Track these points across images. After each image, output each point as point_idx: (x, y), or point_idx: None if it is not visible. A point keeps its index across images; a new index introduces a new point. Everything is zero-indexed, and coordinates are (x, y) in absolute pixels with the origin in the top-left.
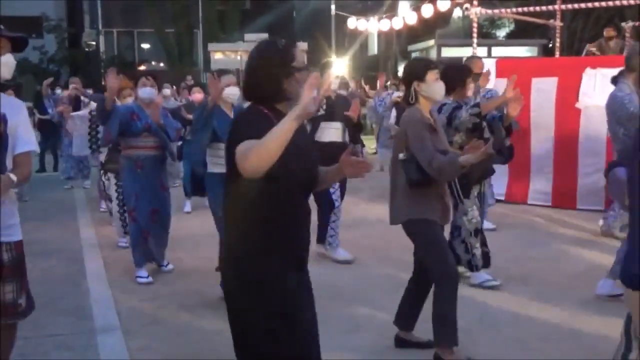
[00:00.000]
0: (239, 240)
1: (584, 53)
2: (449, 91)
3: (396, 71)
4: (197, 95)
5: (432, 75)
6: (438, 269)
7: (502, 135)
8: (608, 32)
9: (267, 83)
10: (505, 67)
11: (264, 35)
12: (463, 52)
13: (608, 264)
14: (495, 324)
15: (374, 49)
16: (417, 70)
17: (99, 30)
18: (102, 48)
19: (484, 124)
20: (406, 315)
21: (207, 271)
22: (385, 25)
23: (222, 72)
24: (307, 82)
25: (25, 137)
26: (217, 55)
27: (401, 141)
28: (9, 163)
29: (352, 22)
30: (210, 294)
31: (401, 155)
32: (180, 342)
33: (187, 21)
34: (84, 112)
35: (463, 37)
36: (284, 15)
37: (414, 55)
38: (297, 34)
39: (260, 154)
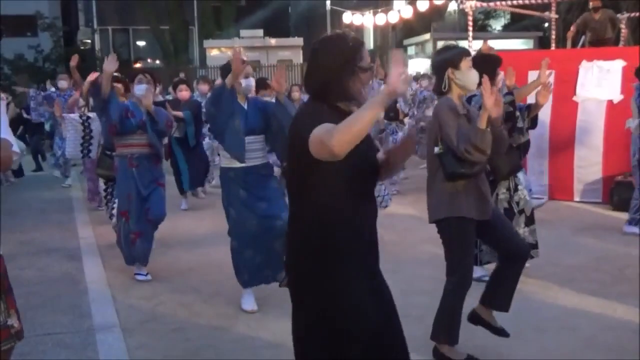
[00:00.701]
0: (317, 229)
1: (569, 38)
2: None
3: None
4: (184, 93)
5: (467, 63)
6: (459, 270)
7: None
8: (594, 2)
9: (332, 81)
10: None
11: (260, 32)
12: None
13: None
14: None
15: (369, 43)
16: (452, 58)
17: (93, 28)
18: (97, 46)
19: (517, 113)
20: (494, 293)
21: (205, 268)
22: (381, 19)
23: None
24: (395, 59)
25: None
26: (213, 52)
27: (434, 134)
28: None
29: (348, 17)
30: (209, 291)
31: (436, 149)
32: (179, 340)
33: (183, 18)
34: (75, 115)
35: (458, 30)
36: (279, 10)
37: (409, 49)
38: (292, 30)
39: (345, 134)
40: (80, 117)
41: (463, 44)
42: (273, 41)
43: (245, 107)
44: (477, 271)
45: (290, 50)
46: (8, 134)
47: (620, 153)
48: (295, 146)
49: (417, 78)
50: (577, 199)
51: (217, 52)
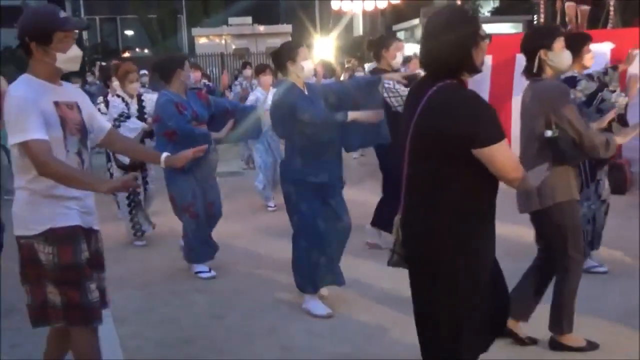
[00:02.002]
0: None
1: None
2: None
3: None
4: None
5: (560, 43)
6: (573, 256)
7: None
8: None
9: (458, 53)
10: (489, 43)
11: (248, 19)
12: None
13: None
14: None
15: (359, 29)
16: (545, 38)
17: (81, 18)
18: (85, 35)
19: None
20: (523, 304)
21: None
22: (369, 5)
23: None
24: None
25: (102, 119)
26: (202, 40)
27: (542, 117)
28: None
29: (336, 3)
30: (202, 280)
31: (549, 133)
32: (172, 329)
33: (170, 6)
34: None
35: None
36: None
37: (399, 35)
38: (281, 16)
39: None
40: None
41: None
42: (262, 28)
43: (307, 92)
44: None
45: (280, 38)
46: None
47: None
48: (437, 135)
49: (406, 61)
50: None
51: (205, 40)
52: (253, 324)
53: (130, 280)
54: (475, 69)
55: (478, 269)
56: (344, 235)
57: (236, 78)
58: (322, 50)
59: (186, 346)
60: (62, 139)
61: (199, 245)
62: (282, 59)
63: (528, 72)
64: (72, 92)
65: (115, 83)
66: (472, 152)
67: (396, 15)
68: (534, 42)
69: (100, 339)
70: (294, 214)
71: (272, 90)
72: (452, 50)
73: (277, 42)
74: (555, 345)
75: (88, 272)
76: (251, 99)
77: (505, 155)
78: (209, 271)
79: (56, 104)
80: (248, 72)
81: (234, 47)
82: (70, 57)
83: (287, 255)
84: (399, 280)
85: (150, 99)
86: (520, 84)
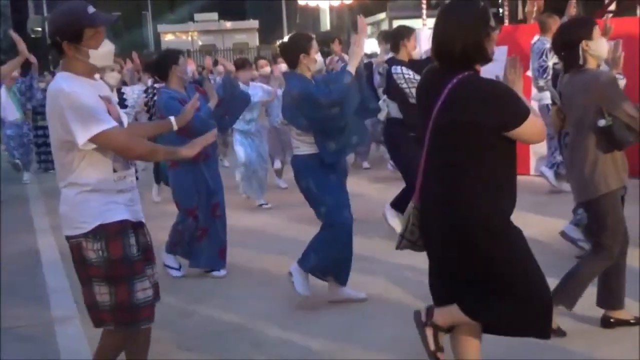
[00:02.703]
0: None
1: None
2: None
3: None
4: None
5: (597, 32)
6: (610, 245)
7: None
8: None
9: (472, 44)
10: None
11: (214, 15)
12: (415, 24)
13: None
14: None
15: (326, 24)
16: (584, 28)
17: (44, 16)
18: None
19: None
20: (609, 293)
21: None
22: (336, 0)
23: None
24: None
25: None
26: (168, 37)
27: (592, 107)
28: None
29: None
30: (170, 278)
31: (603, 122)
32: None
33: (135, 3)
34: None
35: (414, 9)
36: None
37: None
38: (247, 12)
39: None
40: None
41: (417, 22)
42: (228, 24)
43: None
44: None
45: (246, 34)
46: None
47: None
48: (466, 125)
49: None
50: (533, 172)
51: (171, 36)
52: (222, 321)
53: None
54: (488, 59)
55: (510, 238)
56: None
57: (199, 74)
58: None
59: (155, 344)
60: None
61: (187, 242)
62: (294, 51)
63: (572, 64)
64: (106, 87)
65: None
66: (505, 134)
67: (363, 10)
68: (575, 34)
69: (68, 341)
70: (319, 206)
71: (254, 85)
72: (467, 41)
73: (243, 38)
74: (606, 321)
75: (139, 269)
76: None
77: (535, 125)
78: (179, 269)
79: (101, 98)
80: (220, 68)
81: (200, 43)
82: (102, 52)
83: (256, 252)
84: (371, 276)
85: (132, 91)
86: (487, 75)
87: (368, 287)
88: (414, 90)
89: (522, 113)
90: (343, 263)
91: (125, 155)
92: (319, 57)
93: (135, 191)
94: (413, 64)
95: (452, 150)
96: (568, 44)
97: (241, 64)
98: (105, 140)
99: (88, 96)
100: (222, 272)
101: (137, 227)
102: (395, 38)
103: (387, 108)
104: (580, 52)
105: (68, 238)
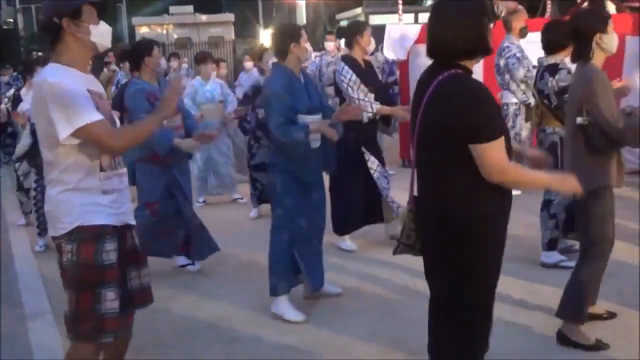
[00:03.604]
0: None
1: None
2: (554, 50)
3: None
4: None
5: (611, 26)
6: (603, 243)
7: None
8: None
9: (473, 36)
10: None
11: (189, 8)
12: (391, 20)
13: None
14: None
15: (302, 18)
16: (599, 22)
17: (16, 7)
18: (20, 24)
19: None
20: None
21: None
22: None
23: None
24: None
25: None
26: (143, 30)
27: (579, 103)
28: None
29: None
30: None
31: (580, 120)
32: None
33: None
34: None
35: (390, 4)
36: None
37: (342, 23)
38: (223, 6)
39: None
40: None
41: (394, 18)
42: (204, 17)
43: (303, 80)
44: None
45: (222, 27)
46: None
47: None
48: (437, 125)
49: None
50: None
51: (146, 29)
52: (197, 317)
53: None
54: (489, 50)
55: (495, 246)
56: (321, 231)
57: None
58: (265, 40)
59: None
60: None
61: (151, 240)
62: (284, 41)
63: (581, 55)
64: (98, 83)
65: None
66: (468, 146)
67: (339, 4)
68: (591, 26)
69: (41, 337)
70: (276, 205)
71: (214, 81)
72: (468, 33)
73: (219, 31)
74: (562, 338)
75: (110, 276)
76: (189, 90)
77: (496, 155)
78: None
79: (90, 92)
80: (174, 63)
81: (175, 36)
82: (102, 29)
83: (231, 248)
84: (342, 271)
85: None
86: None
87: (343, 281)
88: (350, 90)
89: (491, 131)
90: (311, 268)
91: (106, 151)
92: (309, 46)
93: (124, 192)
94: (366, 64)
95: (434, 149)
96: (582, 35)
97: (202, 58)
98: (87, 134)
99: (74, 87)
100: (196, 266)
101: (124, 230)
102: (349, 35)
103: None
104: (593, 45)
105: (54, 239)
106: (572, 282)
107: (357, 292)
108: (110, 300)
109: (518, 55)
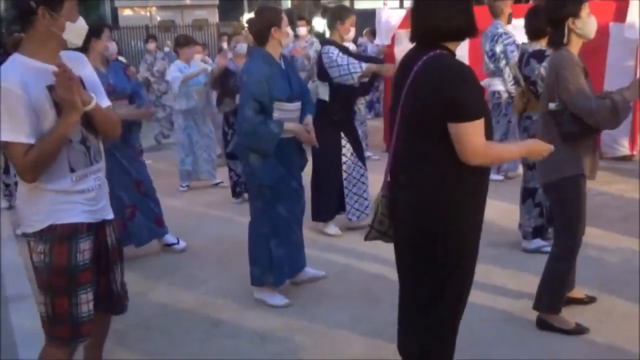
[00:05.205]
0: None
1: None
2: (538, 35)
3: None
4: None
5: (587, 10)
6: (571, 232)
7: None
8: None
9: (459, 17)
10: None
11: None
12: (376, 4)
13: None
14: None
15: (287, 2)
16: (572, 5)
17: None
18: (2, 6)
19: None
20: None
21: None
22: None
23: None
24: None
25: (103, 95)
26: (126, 12)
27: (552, 89)
28: None
29: None
30: (126, 256)
31: (552, 105)
32: None
33: None
34: None
35: None
36: None
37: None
38: None
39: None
40: None
41: (379, 3)
42: (188, 0)
43: (284, 66)
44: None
45: (206, 10)
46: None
47: None
48: (430, 105)
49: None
50: None
51: (129, 12)
52: (181, 300)
53: None
54: (476, 32)
55: (469, 235)
56: (300, 218)
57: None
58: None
59: (113, 323)
60: None
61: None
62: (264, 26)
63: (555, 42)
64: (74, 64)
65: None
66: (448, 125)
67: None
68: (561, 11)
69: (22, 321)
70: (255, 197)
71: (199, 63)
72: (454, 14)
73: (203, 14)
74: (542, 323)
75: (84, 279)
76: (174, 75)
77: (473, 136)
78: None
79: (50, 88)
80: (151, 45)
81: (159, 19)
82: (78, 27)
83: (214, 230)
84: (327, 256)
85: None
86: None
87: (328, 267)
88: (340, 59)
89: (472, 111)
90: (293, 253)
91: (21, 177)
92: (289, 30)
93: (102, 188)
94: (344, 51)
95: (415, 131)
96: (553, 21)
97: (184, 42)
98: (4, 148)
99: (18, 97)
100: (182, 244)
101: (100, 227)
102: (332, 18)
103: (317, 90)
104: (566, 30)
105: (24, 236)
106: (547, 273)
107: (342, 277)
108: (86, 302)
109: (517, 42)
